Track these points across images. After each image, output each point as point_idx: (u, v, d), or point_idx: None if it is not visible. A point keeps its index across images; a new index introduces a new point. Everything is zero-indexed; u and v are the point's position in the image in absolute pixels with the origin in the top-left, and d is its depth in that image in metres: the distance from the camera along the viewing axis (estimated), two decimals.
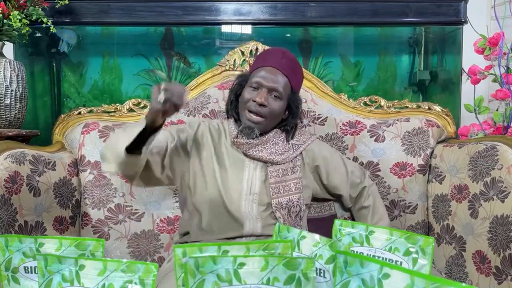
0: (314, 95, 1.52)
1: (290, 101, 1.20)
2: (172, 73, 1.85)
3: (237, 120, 1.23)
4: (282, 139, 1.23)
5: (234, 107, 1.23)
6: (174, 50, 1.84)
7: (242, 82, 1.22)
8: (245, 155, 1.21)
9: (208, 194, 1.17)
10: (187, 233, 1.22)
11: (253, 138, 1.18)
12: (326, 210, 1.37)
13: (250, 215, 1.16)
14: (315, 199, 1.33)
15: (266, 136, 1.20)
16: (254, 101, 1.14)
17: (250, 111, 1.16)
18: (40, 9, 1.42)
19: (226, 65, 1.54)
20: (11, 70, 1.39)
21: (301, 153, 1.25)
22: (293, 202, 1.19)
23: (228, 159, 1.20)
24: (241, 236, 1.17)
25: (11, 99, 1.40)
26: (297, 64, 1.25)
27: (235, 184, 1.18)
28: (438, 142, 1.45)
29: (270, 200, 1.18)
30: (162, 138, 1.15)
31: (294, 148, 1.24)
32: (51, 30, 1.44)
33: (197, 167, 1.20)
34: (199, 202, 1.17)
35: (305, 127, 1.45)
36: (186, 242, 1.21)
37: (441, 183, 1.36)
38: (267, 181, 1.19)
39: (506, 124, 1.46)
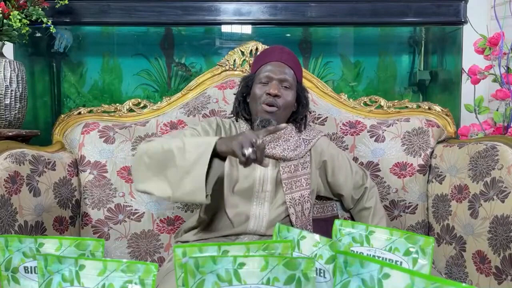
0: (314, 95, 1.52)
1: (298, 91, 1.23)
2: (172, 74, 1.85)
3: (248, 120, 1.25)
4: (292, 135, 1.24)
5: (243, 108, 1.25)
6: (173, 51, 1.84)
7: (248, 82, 1.24)
8: None
9: (217, 192, 1.18)
10: (190, 230, 1.24)
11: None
12: (328, 211, 1.37)
13: (258, 212, 1.17)
14: (317, 197, 1.34)
15: (278, 133, 1.21)
16: (268, 94, 1.16)
17: (265, 104, 1.17)
18: (40, 9, 1.42)
19: (226, 65, 1.54)
20: (11, 70, 1.39)
21: (310, 149, 1.26)
22: (305, 198, 1.21)
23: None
24: (245, 234, 1.18)
25: (11, 99, 1.40)
26: (296, 57, 1.29)
27: (246, 182, 1.19)
28: (438, 142, 1.45)
29: (284, 197, 1.20)
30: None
31: (305, 143, 1.25)
32: (51, 30, 1.44)
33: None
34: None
35: None
36: (188, 242, 1.22)
37: (441, 183, 1.36)
38: (279, 178, 1.21)
39: (506, 124, 1.46)
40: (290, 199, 1.20)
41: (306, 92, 1.28)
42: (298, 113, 1.26)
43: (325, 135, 1.34)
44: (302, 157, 1.24)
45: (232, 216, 1.17)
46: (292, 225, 1.19)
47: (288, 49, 1.28)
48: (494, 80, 1.50)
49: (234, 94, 1.31)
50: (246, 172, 1.19)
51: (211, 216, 1.20)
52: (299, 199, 1.20)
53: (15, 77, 1.41)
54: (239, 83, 1.30)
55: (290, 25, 1.74)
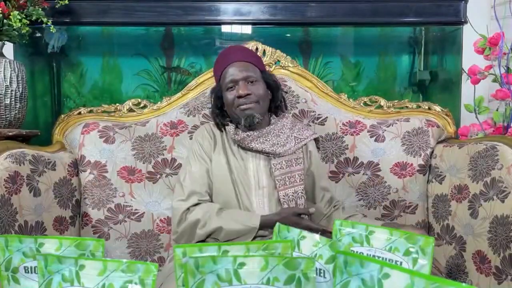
0: (314, 95, 1.52)
1: (265, 79, 1.25)
2: (172, 74, 1.85)
3: (232, 123, 1.26)
4: (283, 131, 1.25)
5: (221, 117, 1.27)
6: (173, 51, 1.84)
7: (218, 92, 1.26)
8: (246, 149, 1.23)
9: (223, 195, 1.20)
10: None
11: (257, 123, 1.20)
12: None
13: (262, 211, 1.18)
14: None
15: (267, 128, 1.23)
16: (239, 96, 1.19)
17: (240, 106, 1.20)
18: (40, 9, 1.42)
19: None
20: (11, 70, 1.39)
21: (302, 146, 1.27)
22: (298, 194, 1.21)
23: (233, 158, 1.23)
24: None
25: (11, 99, 1.40)
26: (249, 49, 1.35)
27: (244, 180, 1.21)
28: (438, 142, 1.45)
29: (278, 193, 1.20)
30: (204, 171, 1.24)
31: (296, 141, 1.26)
32: (51, 30, 1.44)
33: (213, 169, 1.23)
34: (215, 201, 1.21)
35: None
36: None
37: (441, 183, 1.36)
38: (272, 174, 1.21)
39: (506, 124, 1.46)
40: (283, 195, 1.20)
41: (273, 76, 1.30)
42: (275, 99, 1.28)
43: (316, 139, 1.34)
44: (295, 152, 1.24)
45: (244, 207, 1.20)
46: None
47: (240, 46, 1.35)
48: (494, 80, 1.50)
49: (209, 108, 1.36)
50: (242, 171, 1.22)
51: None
52: (292, 195, 1.21)
53: (15, 77, 1.41)
54: (209, 96, 1.33)
55: (290, 25, 1.74)
